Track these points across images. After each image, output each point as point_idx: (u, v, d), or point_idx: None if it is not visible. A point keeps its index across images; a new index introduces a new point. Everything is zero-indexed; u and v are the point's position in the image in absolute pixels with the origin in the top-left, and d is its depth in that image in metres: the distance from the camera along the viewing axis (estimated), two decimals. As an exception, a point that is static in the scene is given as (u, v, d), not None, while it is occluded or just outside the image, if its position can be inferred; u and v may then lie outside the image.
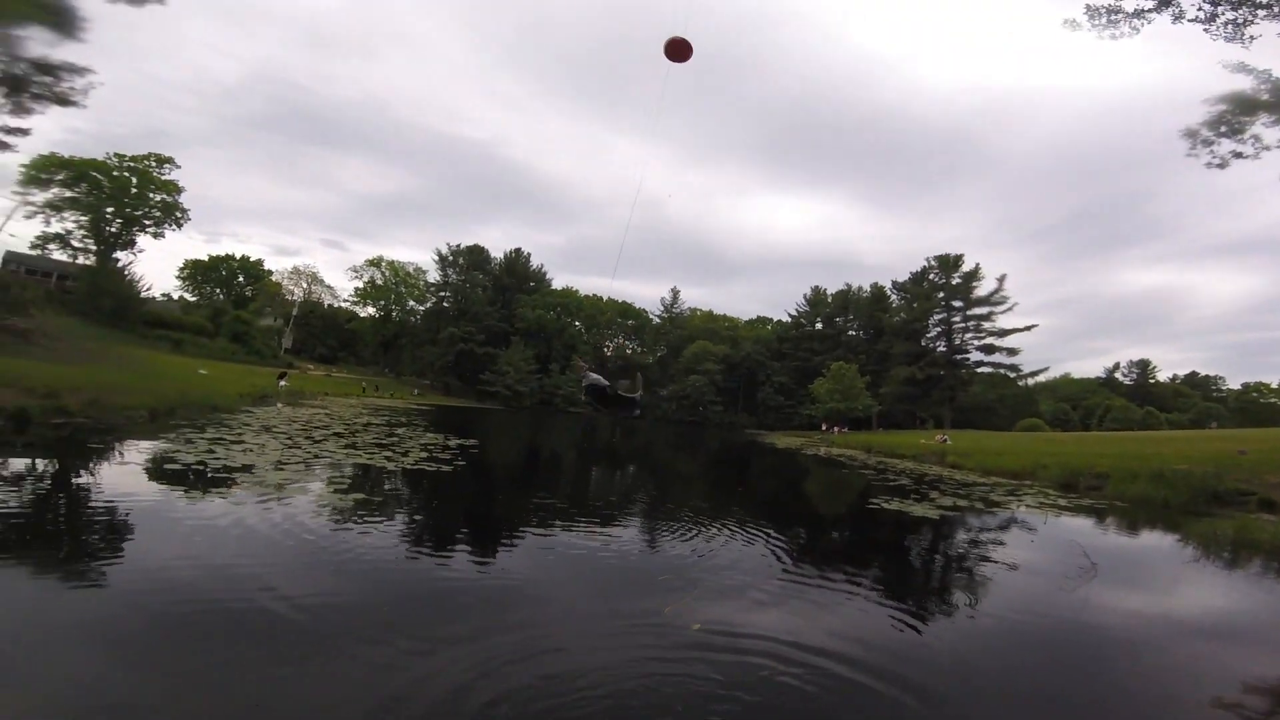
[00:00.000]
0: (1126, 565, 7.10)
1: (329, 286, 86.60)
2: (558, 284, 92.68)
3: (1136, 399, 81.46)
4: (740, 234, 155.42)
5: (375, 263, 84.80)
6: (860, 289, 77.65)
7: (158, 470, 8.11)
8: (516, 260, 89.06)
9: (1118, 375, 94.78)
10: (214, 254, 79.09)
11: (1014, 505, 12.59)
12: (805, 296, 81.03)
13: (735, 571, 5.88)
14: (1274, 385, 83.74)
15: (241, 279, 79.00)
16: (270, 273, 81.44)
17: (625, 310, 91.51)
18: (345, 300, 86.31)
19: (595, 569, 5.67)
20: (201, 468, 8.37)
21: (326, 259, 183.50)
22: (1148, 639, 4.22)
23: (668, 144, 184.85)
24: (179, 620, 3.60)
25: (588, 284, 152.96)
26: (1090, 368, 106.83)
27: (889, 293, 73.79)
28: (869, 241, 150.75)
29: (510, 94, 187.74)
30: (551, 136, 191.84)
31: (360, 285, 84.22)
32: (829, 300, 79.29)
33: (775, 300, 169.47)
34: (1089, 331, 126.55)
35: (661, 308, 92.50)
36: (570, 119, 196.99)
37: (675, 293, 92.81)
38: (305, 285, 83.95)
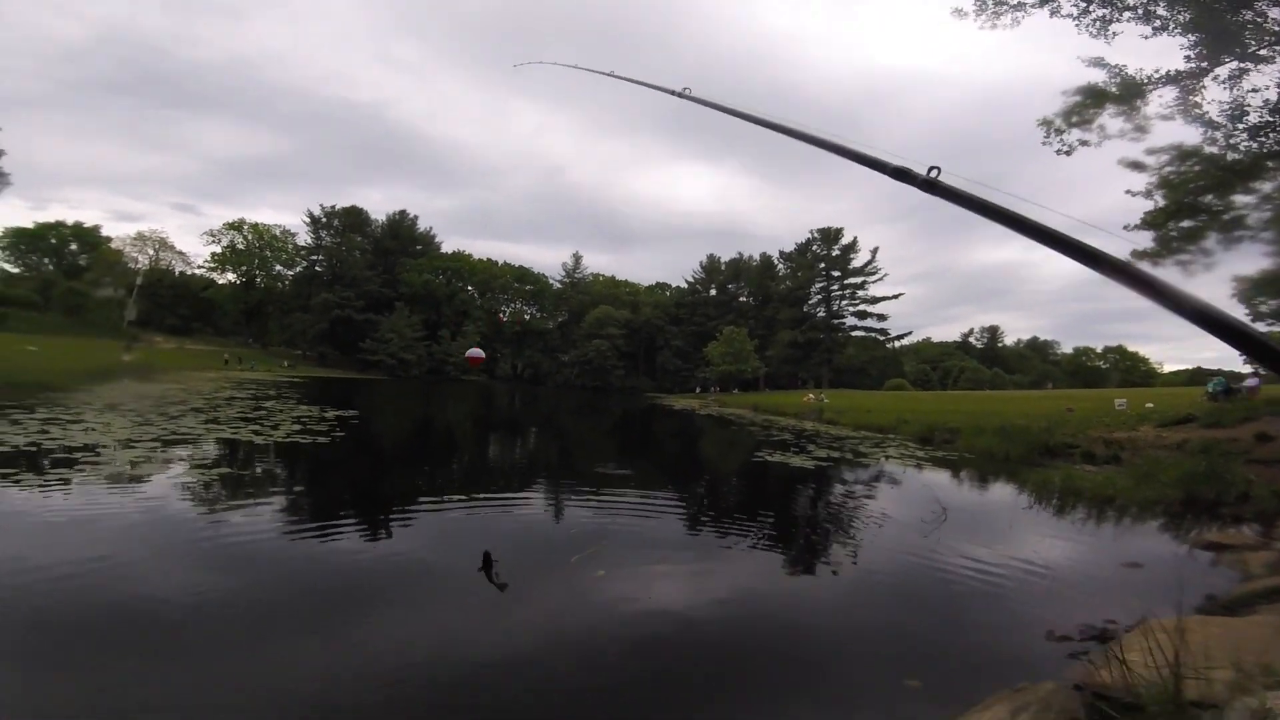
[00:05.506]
0: (973, 511, 7.93)
1: (180, 253, 76.01)
2: (448, 247, 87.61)
3: (987, 361, 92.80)
4: (643, 202, 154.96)
5: (236, 225, 75.13)
6: (751, 258, 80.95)
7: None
8: (400, 223, 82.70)
9: (971, 339, 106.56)
10: (40, 221, 67.25)
11: (880, 457, 13.80)
12: (701, 264, 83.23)
13: (640, 526, 6.00)
14: (1099, 350, 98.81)
15: (75, 247, 67.75)
16: (109, 239, 70.40)
17: (523, 274, 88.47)
18: (200, 267, 75.96)
19: (500, 534, 5.45)
20: (34, 449, 7.34)
21: (178, 223, 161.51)
22: (987, 578, 4.70)
23: (577, 113, 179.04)
24: (27, 628, 3.01)
25: (483, 248, 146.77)
26: (948, 332, 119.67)
27: (776, 262, 77.62)
28: (760, 213, 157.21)
29: (405, 58, 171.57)
30: (447, 100, 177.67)
31: (218, 250, 74.37)
32: (723, 268, 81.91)
33: (674, 267, 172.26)
34: (948, 300, 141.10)
35: (563, 272, 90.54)
36: (470, 84, 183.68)
37: (578, 258, 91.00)
38: (152, 252, 73.03)
